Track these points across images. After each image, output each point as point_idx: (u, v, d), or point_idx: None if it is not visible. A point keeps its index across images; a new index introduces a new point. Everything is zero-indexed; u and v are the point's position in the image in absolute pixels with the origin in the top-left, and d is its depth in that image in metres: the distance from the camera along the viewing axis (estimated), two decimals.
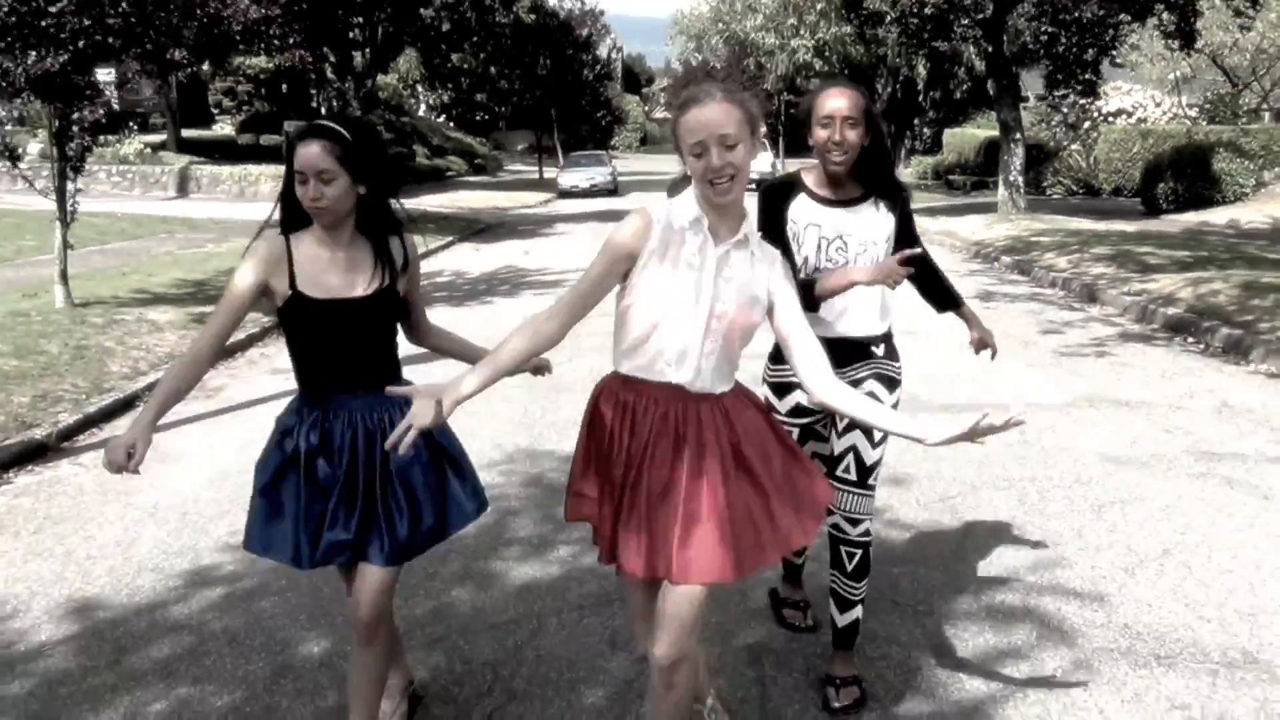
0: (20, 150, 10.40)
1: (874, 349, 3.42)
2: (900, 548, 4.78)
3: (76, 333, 9.19)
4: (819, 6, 27.18)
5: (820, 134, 3.22)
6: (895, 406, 3.32)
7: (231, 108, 43.99)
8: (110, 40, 9.14)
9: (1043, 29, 20.78)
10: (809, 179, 3.37)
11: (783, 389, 3.48)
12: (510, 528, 5.10)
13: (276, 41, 19.83)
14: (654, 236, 2.56)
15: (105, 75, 10.11)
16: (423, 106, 60.53)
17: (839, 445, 3.40)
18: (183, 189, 30.11)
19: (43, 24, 8.61)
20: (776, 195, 3.37)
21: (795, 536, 2.70)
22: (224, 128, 42.96)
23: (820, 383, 2.62)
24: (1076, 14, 21.07)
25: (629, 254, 2.58)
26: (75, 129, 9.49)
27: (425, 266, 16.02)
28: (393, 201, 2.98)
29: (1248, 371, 8.29)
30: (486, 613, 4.23)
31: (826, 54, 37.13)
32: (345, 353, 2.92)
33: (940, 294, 3.76)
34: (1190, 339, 9.56)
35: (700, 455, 2.59)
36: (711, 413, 2.63)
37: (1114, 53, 23.19)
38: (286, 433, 2.96)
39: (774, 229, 3.32)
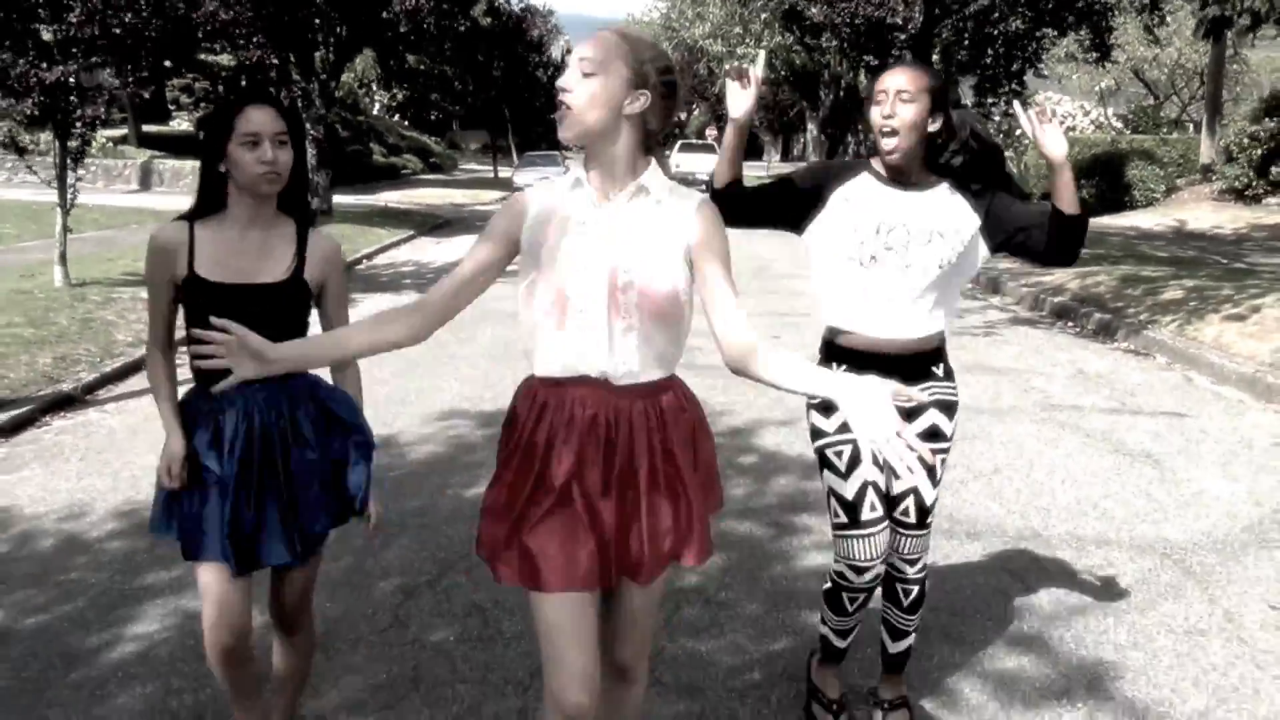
0: (27, 144, 11.31)
1: (934, 368, 3.12)
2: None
3: (80, 308, 10.22)
4: (763, 16, 28.47)
5: (872, 113, 2.87)
6: (953, 435, 3.13)
7: (189, 104, 44.57)
8: (113, 46, 10.17)
9: (964, 41, 22.16)
10: (877, 162, 3.01)
11: (827, 407, 3.09)
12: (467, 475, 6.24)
13: (241, 41, 20.84)
14: (529, 212, 2.34)
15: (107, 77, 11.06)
16: (377, 105, 61.21)
17: (898, 487, 3.10)
18: (145, 182, 30.88)
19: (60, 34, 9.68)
20: (832, 168, 3.09)
21: (692, 554, 2.39)
22: (180, 123, 43.56)
23: (737, 346, 2.28)
24: (1001, 28, 22.57)
25: (504, 234, 2.35)
26: (79, 124, 10.54)
27: (389, 258, 17.06)
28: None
29: (1109, 348, 9.68)
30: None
31: (774, 61, 38.57)
32: None
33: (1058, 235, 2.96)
34: (1070, 323, 10.92)
35: (630, 461, 2.31)
36: (645, 415, 2.33)
37: (1039, 65, 24.75)
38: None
39: (798, 183, 3.05)
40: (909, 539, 3.14)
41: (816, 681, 3.45)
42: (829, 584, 3.25)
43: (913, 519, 3.11)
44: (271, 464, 2.75)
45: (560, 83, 2.20)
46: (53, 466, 6.12)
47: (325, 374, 2.93)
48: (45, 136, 11.54)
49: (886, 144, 2.85)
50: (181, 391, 2.89)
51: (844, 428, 3.03)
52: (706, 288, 2.29)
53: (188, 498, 2.76)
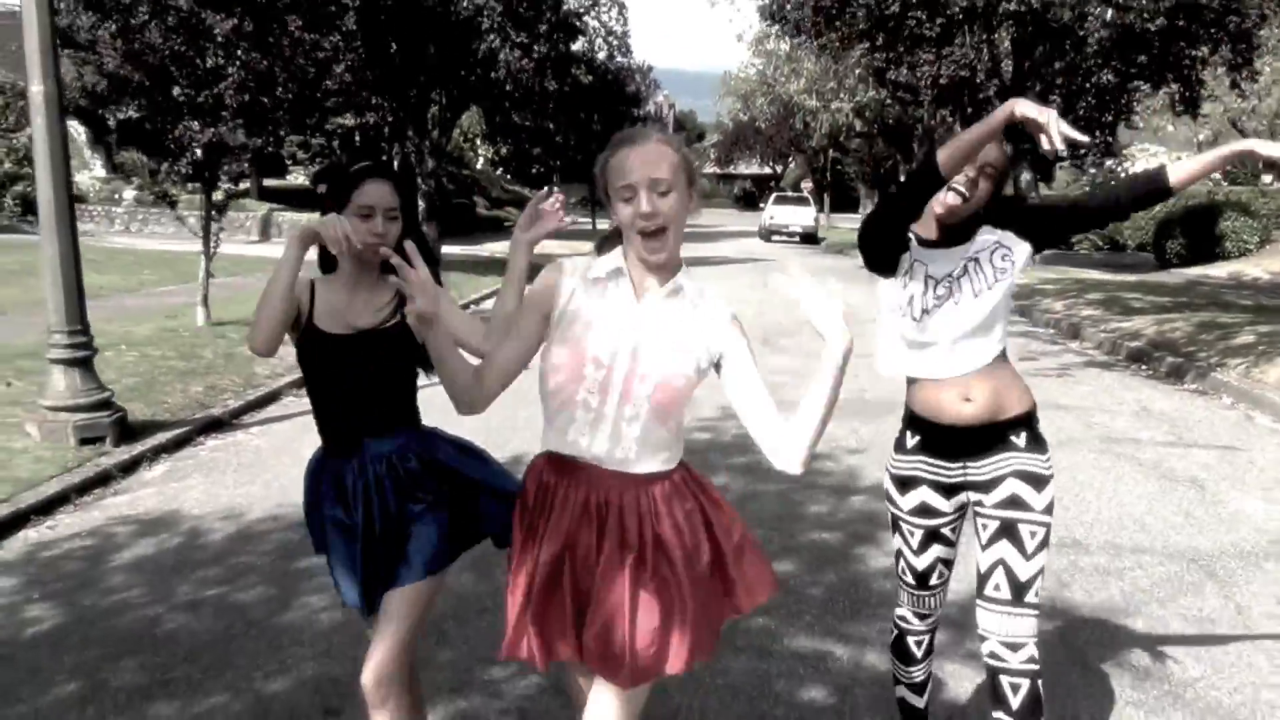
0: (177, 197, 12.53)
1: (1013, 437, 2.96)
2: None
3: (221, 344, 11.29)
4: (857, 72, 29.22)
5: (949, 196, 2.88)
6: (1049, 509, 2.92)
7: (305, 159, 46.71)
8: (256, 112, 11.35)
9: (1056, 93, 22.61)
10: (917, 225, 3.00)
11: (906, 483, 3.06)
12: None
13: (361, 102, 22.20)
14: (564, 290, 2.39)
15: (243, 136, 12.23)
16: (480, 160, 63.12)
17: (984, 561, 2.95)
18: (265, 233, 32.56)
19: (209, 100, 10.87)
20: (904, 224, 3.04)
21: (697, 652, 2.37)
22: (297, 177, 45.66)
23: (782, 457, 2.32)
24: (1092, 81, 23.01)
25: (539, 307, 2.41)
26: (224, 179, 11.71)
27: (494, 305, 18.05)
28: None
29: (1177, 389, 10.14)
30: None
31: (866, 115, 39.28)
32: (357, 389, 2.89)
33: (1142, 188, 2.91)
34: (1144, 366, 11.37)
35: (621, 547, 2.34)
36: (635, 500, 2.36)
37: (1130, 117, 25.10)
38: (313, 498, 3.02)
39: (886, 250, 3.03)
40: (1005, 618, 2.88)
41: None
42: (894, 632, 3.30)
43: (1006, 594, 2.88)
44: (385, 514, 2.85)
45: (646, 211, 2.24)
46: (212, 477, 7.03)
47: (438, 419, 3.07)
48: (130, 192, 12.71)
49: (949, 219, 2.93)
50: (307, 447, 3.12)
51: (915, 511, 3.06)
52: (748, 401, 2.36)
53: (332, 546, 2.95)
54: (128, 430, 7.61)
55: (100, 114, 32.38)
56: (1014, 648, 2.87)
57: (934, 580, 3.14)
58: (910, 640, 3.26)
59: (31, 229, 26.19)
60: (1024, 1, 18.99)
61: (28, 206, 27.10)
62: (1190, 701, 3.89)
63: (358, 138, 39.31)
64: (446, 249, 26.39)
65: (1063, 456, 7.30)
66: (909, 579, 3.16)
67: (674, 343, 2.33)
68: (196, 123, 10.96)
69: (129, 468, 7.11)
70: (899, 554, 3.16)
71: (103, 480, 6.82)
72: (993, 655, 2.90)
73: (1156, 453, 7.50)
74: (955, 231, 2.96)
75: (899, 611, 3.27)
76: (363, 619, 3.01)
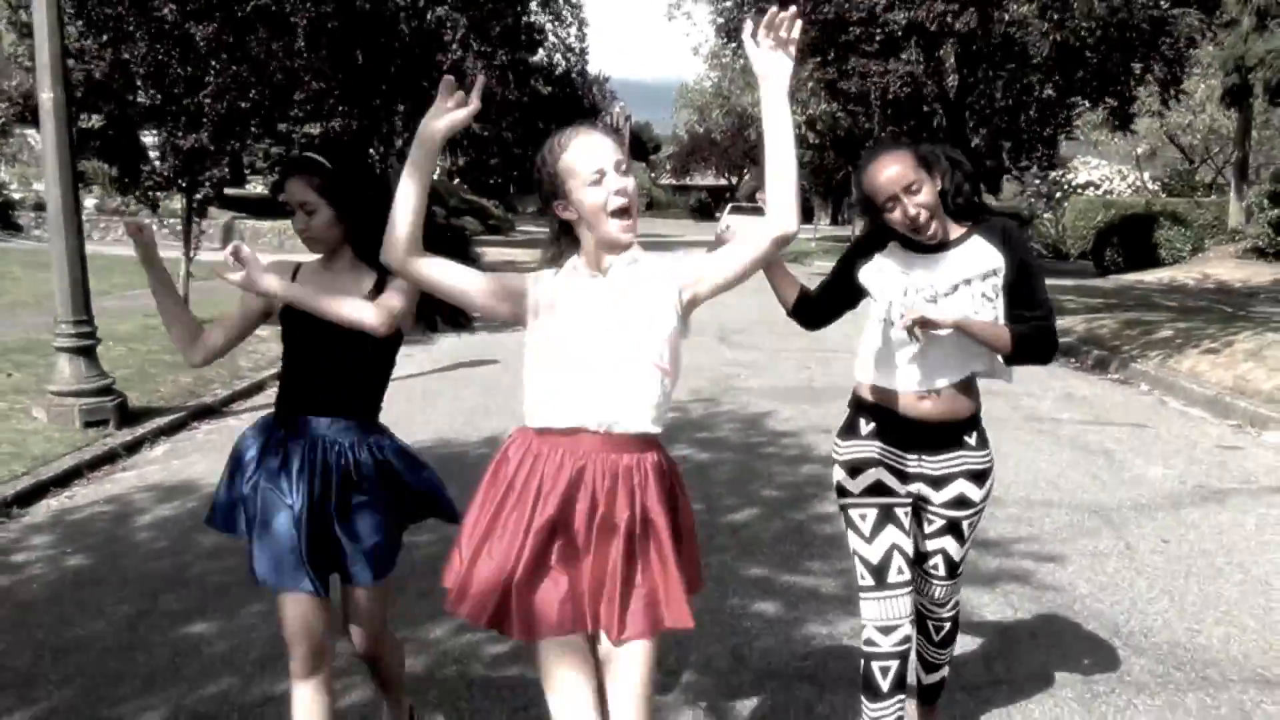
0: (159, 200, 13.08)
1: (965, 437, 3.09)
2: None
3: None
4: (809, 85, 30.11)
5: (893, 218, 2.87)
6: (987, 496, 3.14)
7: (264, 168, 47.00)
8: (235, 118, 11.92)
9: (996, 107, 23.54)
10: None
11: (859, 467, 3.07)
12: None
13: (326, 111, 22.71)
14: (534, 293, 2.48)
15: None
16: (438, 170, 63.50)
17: (928, 546, 3.15)
18: (226, 239, 32.91)
19: (190, 108, 11.45)
20: (869, 241, 3.11)
21: (682, 618, 2.44)
22: (256, 186, 45.97)
23: (774, 220, 2.41)
24: (1033, 95, 23.97)
25: (511, 291, 2.49)
26: (206, 184, 12.26)
27: None
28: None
29: (1101, 378, 11.00)
30: None
31: (818, 126, 40.18)
32: (327, 372, 2.93)
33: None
34: (1074, 360, 12.20)
35: (612, 514, 2.39)
36: (630, 471, 2.42)
37: (1070, 130, 26.14)
38: (239, 465, 3.00)
39: (844, 266, 3.15)
40: (939, 587, 3.20)
41: None
42: (862, 662, 3.11)
43: (942, 573, 3.17)
44: (326, 501, 2.86)
45: (621, 186, 2.37)
46: (210, 456, 7.60)
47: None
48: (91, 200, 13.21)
49: (924, 236, 2.87)
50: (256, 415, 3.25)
51: (869, 490, 3.04)
52: (724, 259, 2.47)
53: (261, 520, 2.88)
54: (128, 415, 8.18)
55: None
56: (942, 604, 3.25)
57: (892, 575, 3.01)
58: (875, 667, 3.04)
59: None
60: (965, 20, 19.87)
61: None
62: (1079, 611, 4.63)
63: (317, 144, 40.03)
64: None
65: (988, 433, 8.08)
66: (867, 579, 3.04)
67: (648, 301, 2.41)
68: (180, 130, 11.51)
69: (133, 447, 7.69)
70: (854, 554, 3.09)
71: (110, 458, 7.40)
72: (923, 607, 3.25)
73: (1074, 429, 8.28)
74: (939, 232, 2.91)
75: (864, 634, 3.08)
76: (272, 591, 2.93)
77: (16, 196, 29.13)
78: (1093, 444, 7.78)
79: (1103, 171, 38.29)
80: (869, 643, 3.05)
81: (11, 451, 7.03)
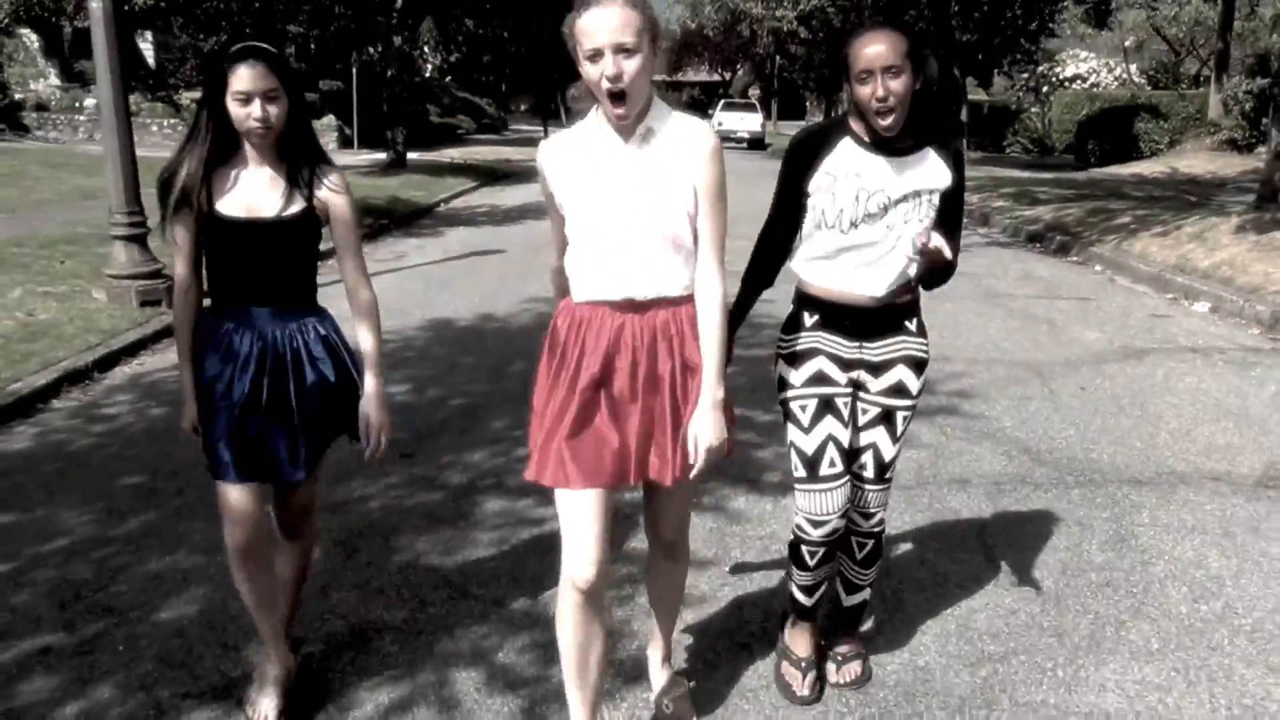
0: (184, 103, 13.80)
1: (907, 322, 3.09)
2: None
3: None
4: None
5: (861, 92, 2.80)
6: (920, 393, 3.15)
7: None
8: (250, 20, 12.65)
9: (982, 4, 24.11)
10: (855, 123, 2.96)
11: (801, 356, 3.10)
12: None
13: (323, 13, 23.23)
14: (559, 165, 2.59)
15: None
16: (429, 67, 63.40)
17: (860, 441, 3.13)
18: None
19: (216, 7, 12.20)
20: (807, 148, 3.01)
21: (727, 446, 2.68)
22: None
23: (698, 288, 2.61)
24: None
25: (547, 193, 2.65)
26: None
27: (464, 202, 19.43)
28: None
29: (1061, 261, 11.98)
30: None
31: (812, 22, 40.47)
32: (259, 270, 2.92)
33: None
34: (1038, 245, 13.13)
35: (655, 368, 2.59)
36: (667, 325, 2.59)
37: (1051, 26, 26.68)
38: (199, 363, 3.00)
39: (790, 191, 3.03)
40: (867, 492, 3.15)
41: (787, 641, 3.40)
42: (791, 538, 3.22)
43: (870, 473, 3.12)
44: (281, 382, 2.93)
45: (612, 73, 2.37)
46: None
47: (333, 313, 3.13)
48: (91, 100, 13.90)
49: (884, 121, 2.80)
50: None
51: (810, 381, 3.06)
52: (696, 222, 2.57)
53: (207, 422, 2.97)
54: None
55: (55, 23, 32.88)
56: (868, 515, 3.19)
57: (824, 468, 3.04)
58: (804, 550, 3.16)
59: (3, 136, 27.07)
60: None
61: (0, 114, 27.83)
62: (998, 438, 5.66)
63: (313, 47, 40.05)
64: (409, 155, 27.57)
65: (949, 305, 9.06)
66: (800, 469, 3.08)
67: (663, 181, 2.50)
68: (202, 33, 12.26)
69: None
70: (790, 445, 3.11)
71: (168, 332, 8.32)
72: (850, 520, 3.17)
73: (1026, 303, 9.27)
74: (896, 139, 2.89)
75: (795, 520, 3.16)
76: (226, 482, 2.98)
77: (18, 97, 29.51)
78: (1039, 314, 8.78)
79: (1090, 64, 38.80)
80: (799, 529, 3.13)
81: (83, 326, 7.96)
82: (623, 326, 2.57)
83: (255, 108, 2.74)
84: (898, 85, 2.75)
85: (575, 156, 2.58)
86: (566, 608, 2.69)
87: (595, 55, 2.37)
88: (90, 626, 3.66)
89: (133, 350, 7.72)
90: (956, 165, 3.00)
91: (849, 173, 2.92)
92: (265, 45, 2.81)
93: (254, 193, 2.88)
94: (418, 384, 6.70)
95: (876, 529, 3.23)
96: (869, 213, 2.92)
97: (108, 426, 6.03)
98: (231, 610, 3.68)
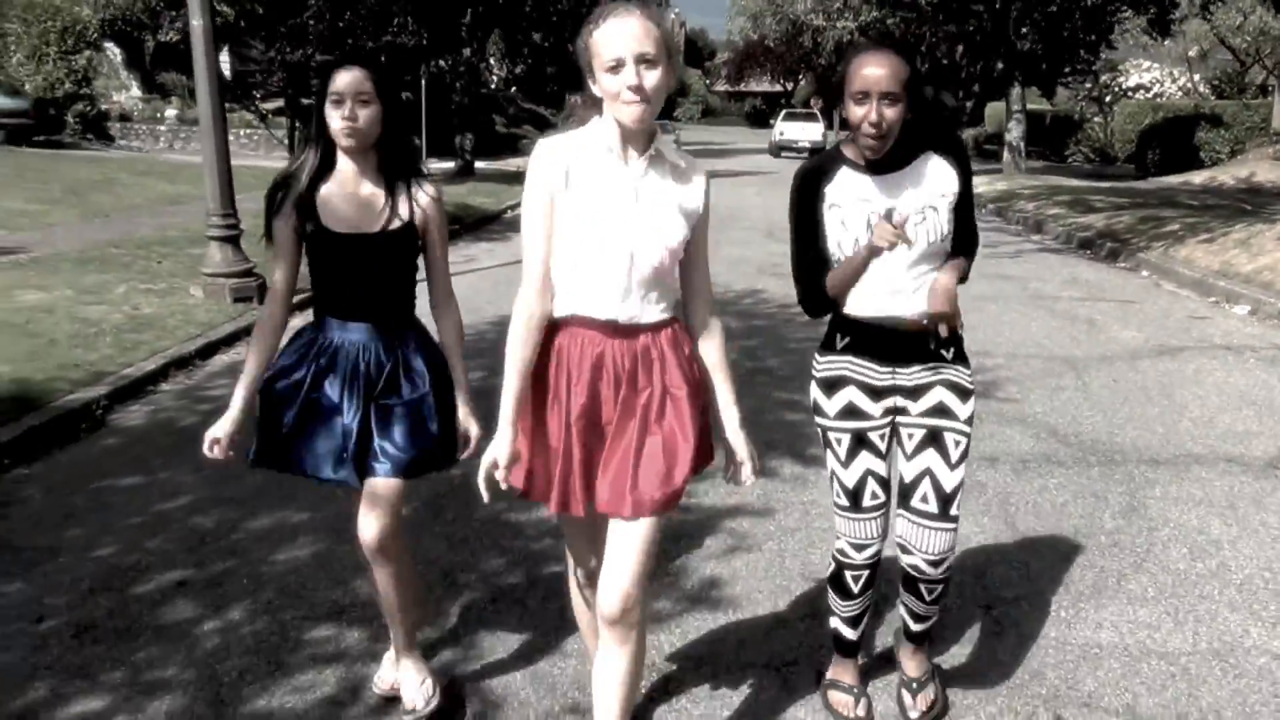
0: (264, 113, 14.53)
1: (942, 350, 2.98)
2: None
3: None
4: None
5: (855, 112, 2.74)
6: (971, 421, 3.01)
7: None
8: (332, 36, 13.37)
9: (1041, 13, 24.32)
10: (849, 150, 2.92)
11: (833, 384, 3.02)
12: None
13: (395, 28, 23.98)
14: (558, 169, 2.48)
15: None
16: (494, 79, 64.40)
17: (910, 470, 2.99)
18: (292, 149, 34.42)
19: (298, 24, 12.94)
20: (809, 181, 2.95)
21: (673, 482, 2.56)
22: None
23: (695, 323, 2.67)
24: (1079, 3, 24.71)
25: (547, 197, 2.50)
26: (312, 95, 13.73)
27: None
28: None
29: (1109, 266, 12.29)
30: None
31: (870, 33, 40.80)
32: (360, 283, 2.97)
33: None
34: (1089, 251, 13.46)
35: (635, 393, 2.53)
36: (648, 349, 2.55)
37: (1113, 37, 26.80)
38: (292, 364, 3.08)
39: (805, 222, 2.96)
40: (930, 533, 2.94)
41: (831, 675, 3.34)
42: (832, 566, 3.16)
43: (933, 507, 2.93)
44: (379, 393, 3.00)
45: (631, 86, 2.32)
46: None
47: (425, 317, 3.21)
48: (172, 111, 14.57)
49: (871, 144, 2.76)
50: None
51: (842, 413, 2.99)
52: (689, 256, 2.59)
53: (303, 425, 3.05)
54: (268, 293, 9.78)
55: (137, 37, 34.07)
56: (936, 564, 2.96)
57: (867, 500, 2.99)
58: (848, 575, 3.11)
59: (91, 145, 28.25)
60: None
61: (87, 124, 28.98)
62: (1028, 421, 6.11)
63: (384, 58, 41.14)
64: (477, 163, 28.31)
65: (994, 307, 9.48)
66: (842, 499, 3.03)
67: (667, 207, 2.50)
68: (289, 46, 12.99)
69: None
70: (832, 475, 3.06)
71: None
72: (915, 568, 3.00)
73: (1070, 304, 9.66)
74: (890, 157, 2.83)
75: (837, 544, 3.10)
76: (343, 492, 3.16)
77: (103, 108, 30.71)
78: (1081, 315, 9.17)
79: (1154, 74, 38.67)
80: (842, 553, 3.09)
81: (183, 319, 8.63)
82: (603, 354, 2.53)
83: (345, 108, 2.81)
84: (892, 113, 2.70)
85: (579, 163, 2.49)
86: (575, 591, 3.02)
87: (617, 65, 2.33)
88: (217, 565, 4.24)
89: (229, 341, 8.36)
90: (960, 162, 2.94)
91: (854, 199, 2.87)
92: (361, 53, 3.06)
93: (358, 206, 2.95)
94: (491, 371, 7.21)
95: (945, 575, 3.02)
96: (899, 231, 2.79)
97: (212, 406, 6.64)
98: (339, 553, 4.26)
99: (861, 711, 3.20)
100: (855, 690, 3.25)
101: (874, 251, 2.77)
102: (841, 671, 3.31)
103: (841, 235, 2.88)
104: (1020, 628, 3.76)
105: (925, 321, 2.89)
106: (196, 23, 9.18)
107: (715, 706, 3.31)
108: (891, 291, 2.88)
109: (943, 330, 2.88)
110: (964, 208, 2.94)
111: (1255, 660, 3.57)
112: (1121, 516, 4.76)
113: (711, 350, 2.68)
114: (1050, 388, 6.81)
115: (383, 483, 3.00)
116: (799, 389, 6.68)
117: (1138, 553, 4.40)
